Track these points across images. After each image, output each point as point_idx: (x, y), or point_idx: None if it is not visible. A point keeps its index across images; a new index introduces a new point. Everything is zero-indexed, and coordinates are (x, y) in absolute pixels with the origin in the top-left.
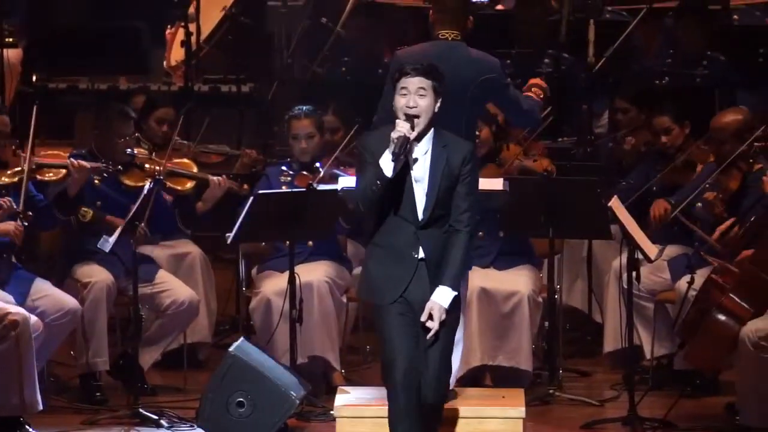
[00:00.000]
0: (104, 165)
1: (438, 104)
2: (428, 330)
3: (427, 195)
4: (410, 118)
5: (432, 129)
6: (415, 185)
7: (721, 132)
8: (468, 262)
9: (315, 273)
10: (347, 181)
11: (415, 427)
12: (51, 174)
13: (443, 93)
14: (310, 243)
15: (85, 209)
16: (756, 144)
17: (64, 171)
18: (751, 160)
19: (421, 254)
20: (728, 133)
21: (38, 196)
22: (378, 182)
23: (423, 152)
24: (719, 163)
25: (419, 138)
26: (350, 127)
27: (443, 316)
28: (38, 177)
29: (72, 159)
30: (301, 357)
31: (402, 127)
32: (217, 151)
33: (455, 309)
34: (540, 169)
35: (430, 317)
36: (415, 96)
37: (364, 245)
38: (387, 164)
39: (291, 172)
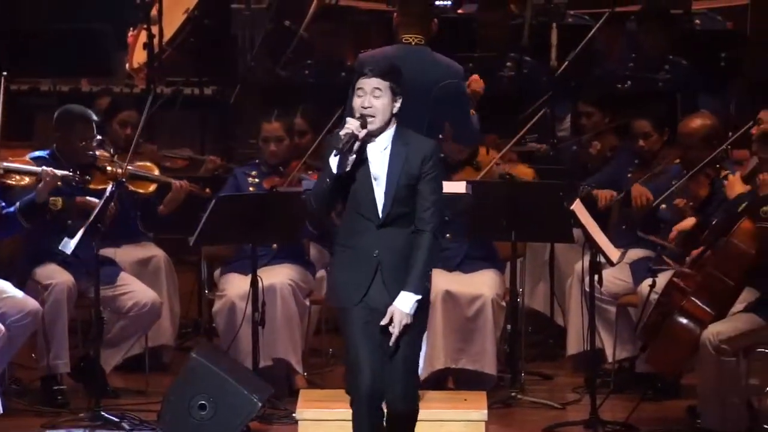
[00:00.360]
0: (72, 174)
1: (397, 104)
2: (391, 335)
3: (385, 193)
4: (363, 117)
5: (394, 128)
6: (374, 183)
7: (689, 138)
8: (431, 263)
9: (278, 276)
10: (311, 184)
11: None
12: (18, 179)
13: (402, 94)
14: (275, 246)
15: (54, 198)
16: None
17: (30, 178)
18: (717, 166)
19: (379, 253)
20: (696, 138)
21: (1, 203)
22: (327, 180)
23: (382, 149)
24: (687, 169)
25: (376, 135)
26: (318, 130)
27: (405, 321)
28: (5, 181)
29: (45, 168)
30: (264, 360)
31: (351, 125)
32: (180, 156)
33: (421, 312)
34: (521, 175)
35: (392, 322)
36: (370, 96)
37: (329, 249)
38: (333, 159)
39: (259, 175)
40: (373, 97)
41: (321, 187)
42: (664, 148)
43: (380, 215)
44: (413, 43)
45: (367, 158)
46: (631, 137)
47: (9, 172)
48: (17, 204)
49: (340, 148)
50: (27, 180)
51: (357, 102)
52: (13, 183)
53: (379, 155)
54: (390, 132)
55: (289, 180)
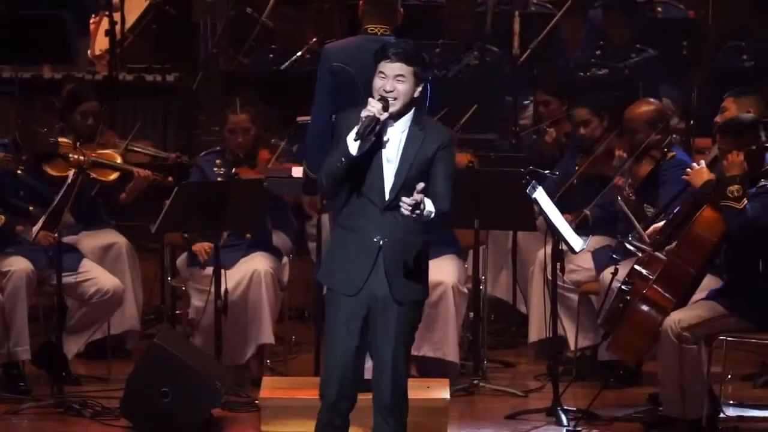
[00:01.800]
0: (7, 155)
1: (419, 89)
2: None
3: (395, 174)
4: (385, 100)
5: (412, 111)
6: (385, 165)
7: (634, 122)
8: (435, 223)
9: (261, 264)
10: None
11: None
12: None
13: (425, 79)
14: (248, 236)
15: None
16: (673, 136)
17: None
18: (665, 150)
19: (382, 239)
20: (640, 122)
21: None
22: (342, 159)
23: (399, 131)
24: (631, 152)
25: (396, 118)
26: (267, 113)
27: (422, 206)
28: None
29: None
30: (251, 350)
31: (373, 107)
32: (145, 151)
33: (416, 309)
34: (464, 162)
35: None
36: (392, 80)
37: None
38: (353, 142)
39: (225, 163)
40: (396, 81)
41: (334, 165)
42: (606, 134)
43: (386, 198)
44: (379, 34)
45: (381, 140)
46: (573, 127)
47: None
48: None
49: (361, 132)
50: None
51: (378, 83)
52: None
53: (395, 138)
54: (408, 116)
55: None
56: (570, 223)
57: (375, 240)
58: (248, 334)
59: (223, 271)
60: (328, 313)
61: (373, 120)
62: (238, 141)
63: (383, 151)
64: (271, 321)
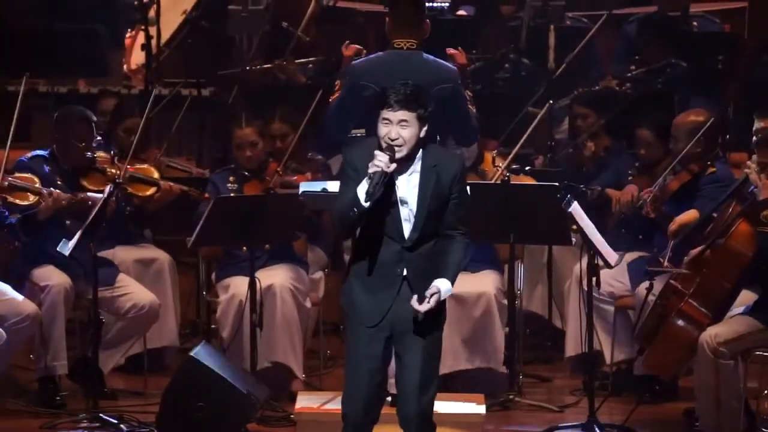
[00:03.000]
0: (74, 197)
1: (425, 129)
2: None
3: (415, 217)
4: (391, 149)
5: (421, 151)
6: (401, 207)
7: (677, 130)
8: (462, 263)
9: (277, 277)
10: (308, 186)
11: None
12: (20, 199)
13: (429, 115)
14: (267, 246)
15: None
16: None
17: (34, 198)
18: (708, 163)
19: (405, 272)
20: (683, 131)
21: (4, 212)
22: (355, 210)
23: (410, 173)
24: (670, 161)
25: (405, 162)
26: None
27: (442, 292)
28: (8, 199)
29: (51, 189)
30: (262, 362)
31: (380, 161)
32: (182, 168)
33: (439, 322)
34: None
35: (422, 300)
36: (397, 127)
37: (325, 250)
38: (363, 194)
39: (237, 180)
40: (401, 128)
41: (346, 213)
42: (667, 157)
43: (407, 237)
44: (405, 48)
45: (393, 184)
46: (635, 144)
47: (14, 190)
48: (18, 217)
49: (371, 191)
50: (31, 200)
51: (383, 131)
52: (18, 203)
53: (406, 179)
54: (418, 155)
55: (272, 184)
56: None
57: (398, 272)
58: (260, 350)
59: (258, 284)
60: (349, 340)
61: (382, 174)
62: (247, 155)
63: (397, 191)
64: (288, 338)
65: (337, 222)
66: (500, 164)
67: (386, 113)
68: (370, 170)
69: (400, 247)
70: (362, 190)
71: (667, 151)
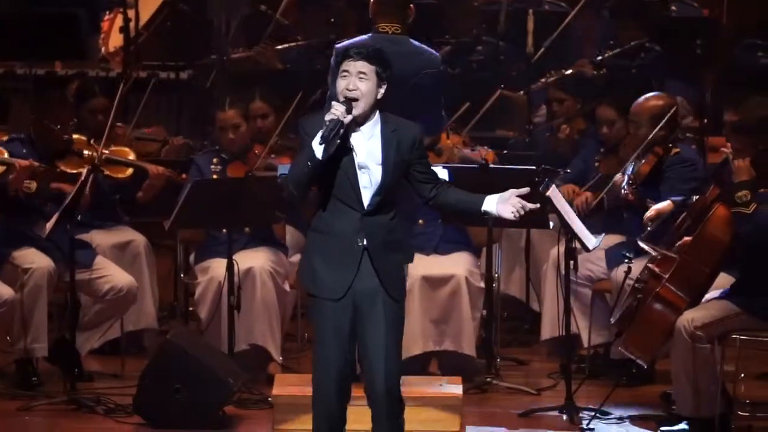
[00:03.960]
0: (41, 165)
1: (382, 90)
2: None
3: (377, 181)
4: (348, 102)
5: (378, 114)
6: (359, 172)
7: (638, 116)
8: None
9: (256, 260)
10: (286, 169)
11: None
12: None
13: (388, 80)
14: (247, 230)
15: (28, 181)
16: (686, 134)
17: (1, 167)
18: (670, 145)
19: (365, 242)
20: (644, 117)
21: None
22: (309, 164)
23: (368, 137)
24: (635, 147)
25: (361, 123)
26: (280, 111)
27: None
28: None
29: (17, 159)
30: (240, 344)
31: (336, 110)
32: (152, 137)
33: (403, 305)
34: (481, 156)
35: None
36: (355, 79)
37: (304, 232)
38: (318, 146)
39: (221, 162)
40: (359, 80)
41: (300, 171)
42: (630, 135)
43: (366, 204)
44: (390, 32)
45: (351, 146)
46: (596, 124)
47: None
48: None
49: (326, 135)
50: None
51: (341, 84)
52: None
53: (365, 144)
54: (375, 119)
55: (256, 167)
56: (588, 204)
57: (359, 243)
58: (237, 333)
59: (236, 266)
60: (315, 319)
61: (338, 123)
62: (230, 138)
63: (354, 157)
64: (266, 321)
65: (291, 182)
66: (455, 141)
67: (346, 64)
68: (326, 118)
69: (360, 215)
70: (316, 140)
71: (628, 130)
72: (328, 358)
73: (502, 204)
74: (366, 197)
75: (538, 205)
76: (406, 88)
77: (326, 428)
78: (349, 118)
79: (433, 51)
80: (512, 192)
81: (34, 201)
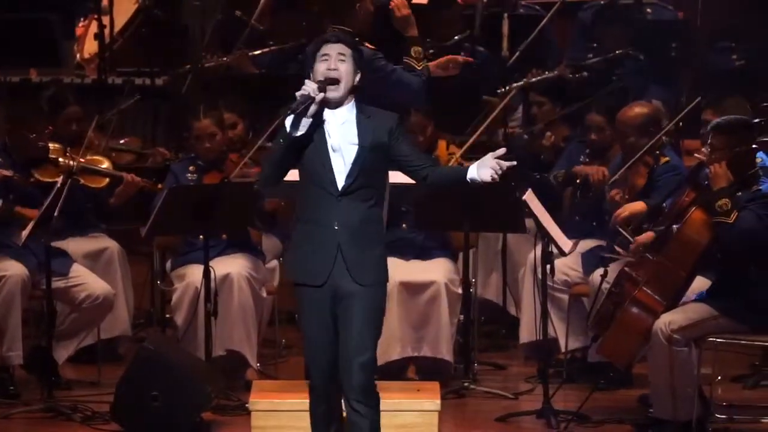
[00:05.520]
0: (13, 174)
1: (358, 77)
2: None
3: (350, 163)
4: (325, 82)
5: (353, 101)
6: (332, 154)
7: (626, 125)
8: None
9: (233, 266)
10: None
11: (334, 424)
12: None
13: (362, 69)
14: (224, 236)
15: None
16: (664, 138)
17: None
18: (657, 152)
19: (337, 225)
20: (632, 126)
21: None
22: (280, 140)
23: (341, 122)
24: (625, 158)
25: (337, 105)
26: (253, 115)
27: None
28: None
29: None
30: (217, 350)
31: (308, 87)
32: (128, 148)
33: (379, 290)
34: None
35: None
36: (335, 60)
37: (281, 239)
38: (289, 122)
39: (198, 170)
40: (339, 62)
41: (275, 149)
42: (615, 142)
43: (339, 186)
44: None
45: (324, 129)
46: (584, 130)
47: None
48: None
49: (294, 108)
50: None
51: (322, 67)
52: None
53: (338, 127)
54: (350, 105)
55: (233, 175)
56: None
57: (335, 228)
58: (215, 338)
59: (212, 272)
60: (300, 307)
61: (308, 98)
62: (206, 146)
63: (327, 140)
64: (243, 327)
65: (266, 163)
66: (455, 152)
67: (325, 48)
68: (297, 93)
69: (334, 198)
70: (288, 119)
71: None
72: (315, 344)
73: (482, 168)
74: (340, 180)
75: (514, 163)
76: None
77: (323, 410)
78: (321, 96)
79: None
80: (490, 155)
81: None
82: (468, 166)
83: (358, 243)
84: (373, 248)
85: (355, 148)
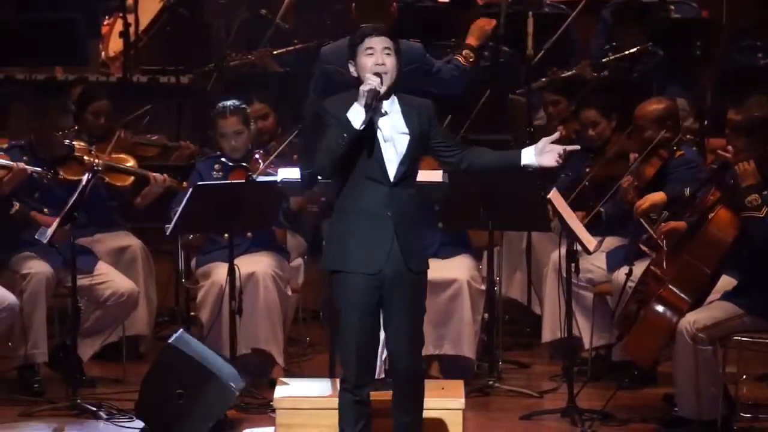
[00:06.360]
0: (45, 171)
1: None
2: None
3: (402, 152)
4: (379, 75)
5: (393, 92)
6: (383, 144)
7: (642, 120)
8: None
9: (258, 264)
10: (287, 173)
11: (362, 420)
12: None
13: (401, 60)
14: (249, 234)
15: (14, 201)
16: (687, 136)
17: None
18: (674, 147)
19: (391, 214)
20: (649, 120)
21: None
22: (345, 135)
23: (388, 112)
24: (640, 151)
25: (385, 97)
26: (279, 111)
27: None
28: None
29: (18, 163)
30: (244, 348)
31: (372, 81)
32: (154, 143)
33: (425, 278)
34: None
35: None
36: (382, 54)
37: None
38: (356, 117)
39: (223, 168)
40: (385, 55)
41: (335, 144)
42: (615, 134)
43: (392, 175)
44: None
45: (374, 119)
46: (581, 128)
47: None
48: None
49: (369, 104)
50: None
51: (369, 61)
52: None
53: (386, 118)
54: (392, 96)
55: (258, 173)
56: (583, 221)
57: (389, 215)
58: (239, 337)
59: (237, 271)
60: (342, 297)
61: (376, 93)
62: (232, 144)
63: (378, 130)
64: (269, 325)
65: (323, 158)
66: None
67: (369, 41)
68: (363, 88)
69: (386, 188)
70: (353, 113)
71: (613, 130)
72: (355, 333)
73: (540, 156)
74: (391, 170)
75: (578, 147)
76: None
77: (353, 402)
78: (384, 88)
79: (413, 43)
80: (545, 140)
81: (10, 222)
82: (519, 152)
83: (411, 229)
84: (420, 235)
85: (406, 137)
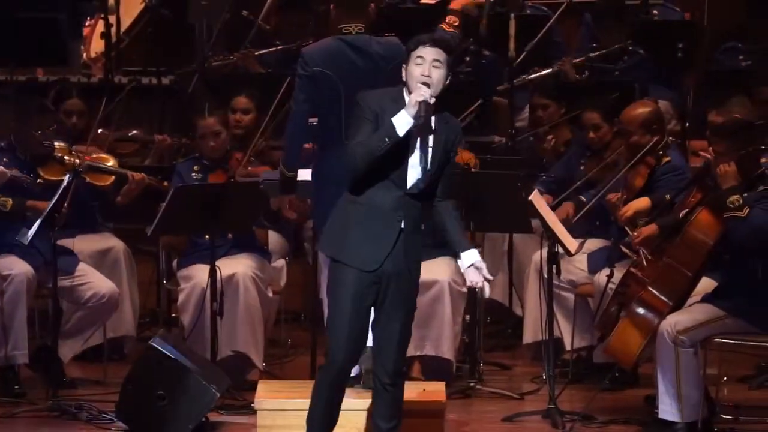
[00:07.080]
0: (26, 175)
1: (447, 81)
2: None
3: (424, 165)
4: (426, 86)
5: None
6: (410, 152)
7: (628, 124)
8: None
9: (239, 266)
10: (269, 175)
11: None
12: None
13: (452, 75)
14: (230, 236)
15: (4, 198)
16: (670, 138)
17: None
18: (660, 153)
19: (402, 220)
20: (635, 124)
21: None
22: (387, 139)
23: (436, 129)
24: (628, 157)
25: (435, 112)
26: (261, 109)
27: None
28: None
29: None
30: (223, 350)
31: (424, 92)
32: (132, 138)
33: (417, 285)
34: (465, 159)
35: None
36: (430, 66)
37: (288, 238)
38: (401, 123)
39: (202, 169)
40: (433, 68)
41: (375, 145)
42: (615, 139)
43: (410, 185)
44: (354, 32)
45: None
46: (582, 129)
47: None
48: None
49: (421, 116)
50: None
51: (417, 71)
52: None
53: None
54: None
55: (237, 174)
56: (571, 215)
57: (398, 220)
58: (221, 339)
59: (218, 272)
60: (336, 284)
61: (427, 105)
62: (210, 145)
63: (413, 139)
64: (249, 327)
65: (360, 156)
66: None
67: (421, 50)
68: (416, 98)
69: (402, 193)
70: (398, 119)
71: (614, 135)
72: (346, 324)
73: (471, 271)
74: (411, 177)
75: (491, 278)
76: (380, 78)
77: (335, 390)
78: (434, 99)
79: (393, 40)
80: (484, 266)
81: (8, 219)
82: (468, 248)
83: (414, 234)
84: (421, 240)
85: (436, 152)
